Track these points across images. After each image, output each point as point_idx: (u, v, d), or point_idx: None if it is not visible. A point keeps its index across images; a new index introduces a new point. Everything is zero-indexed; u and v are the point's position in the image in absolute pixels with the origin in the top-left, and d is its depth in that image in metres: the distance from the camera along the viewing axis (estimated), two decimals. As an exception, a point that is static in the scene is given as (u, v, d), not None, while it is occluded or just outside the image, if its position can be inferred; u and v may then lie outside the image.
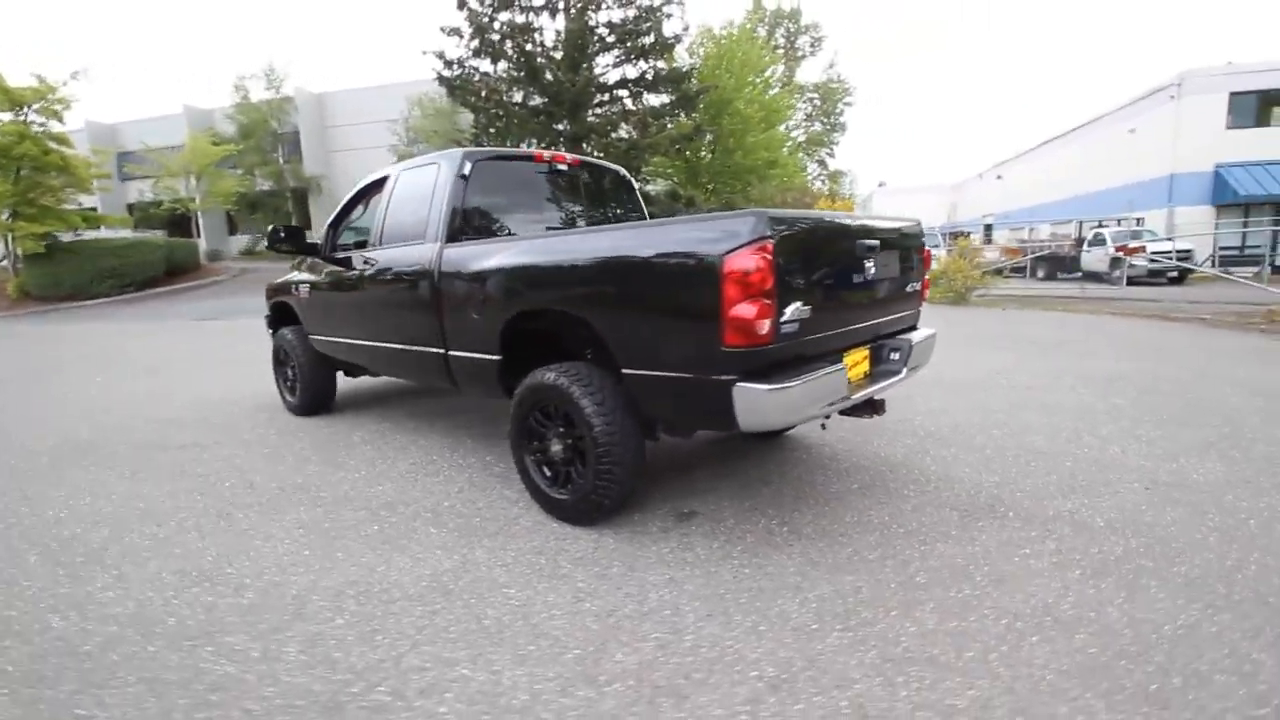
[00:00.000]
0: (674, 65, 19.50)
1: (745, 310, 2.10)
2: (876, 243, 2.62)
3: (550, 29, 19.77)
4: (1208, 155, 19.12)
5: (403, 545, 2.70)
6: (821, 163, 45.66)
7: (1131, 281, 15.45)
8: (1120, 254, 15.09)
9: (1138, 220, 19.90)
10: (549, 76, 18.03)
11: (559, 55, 18.26)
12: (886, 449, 3.77)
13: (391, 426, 4.59)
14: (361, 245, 4.38)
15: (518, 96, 18.61)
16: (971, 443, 3.84)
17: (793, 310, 2.23)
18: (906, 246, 3.03)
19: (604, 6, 18.12)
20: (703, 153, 23.08)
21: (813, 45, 45.61)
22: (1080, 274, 17.62)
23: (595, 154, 18.77)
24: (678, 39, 19.01)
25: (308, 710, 1.72)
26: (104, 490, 3.47)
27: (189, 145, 25.59)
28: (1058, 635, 1.96)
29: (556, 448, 2.79)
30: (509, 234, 3.59)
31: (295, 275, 4.86)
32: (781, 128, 24.98)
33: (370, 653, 1.97)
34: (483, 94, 18.60)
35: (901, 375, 2.89)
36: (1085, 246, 18.51)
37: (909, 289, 3.10)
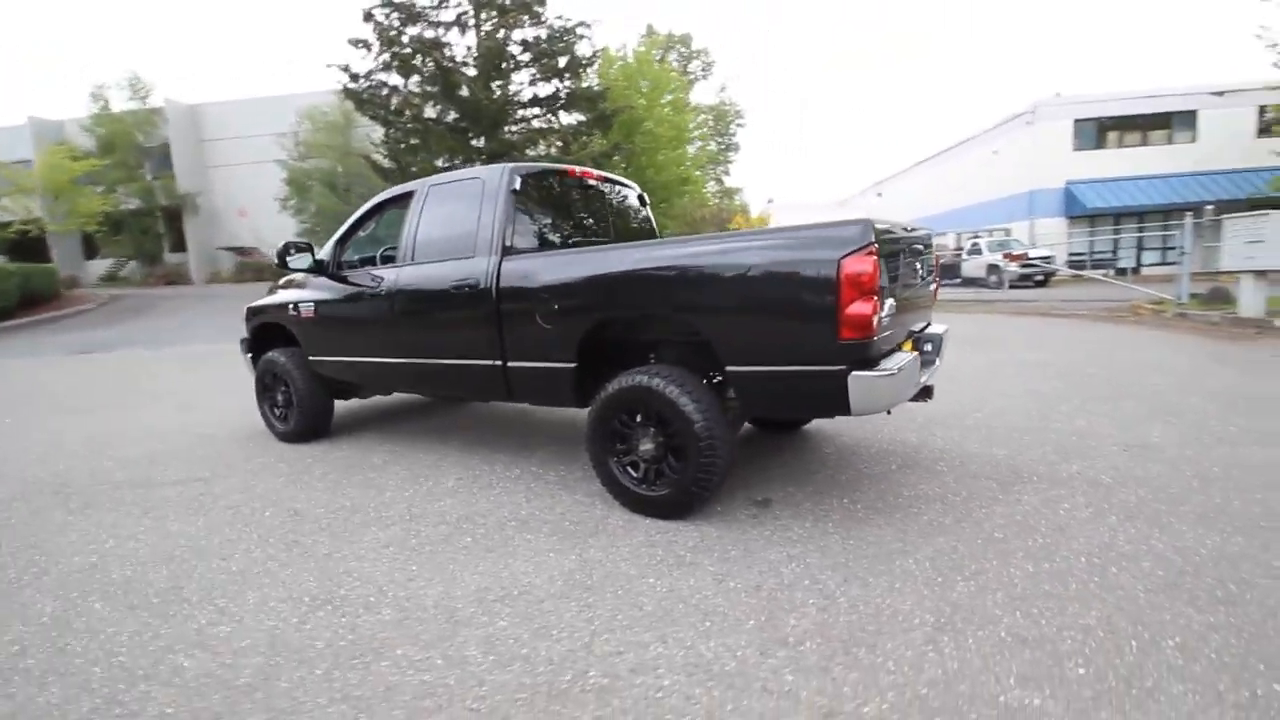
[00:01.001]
0: (587, 86, 19.85)
1: (860, 307, 2.37)
2: (924, 248, 3.00)
3: (461, 44, 19.55)
4: (1059, 174, 22.05)
5: (510, 552, 2.73)
6: (718, 180, 47.74)
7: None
8: (1007, 261, 17.04)
9: (1005, 231, 22.54)
10: (464, 92, 17.80)
11: (473, 72, 18.09)
12: (897, 433, 4.18)
13: (405, 446, 4.47)
14: (380, 261, 4.30)
15: (431, 112, 18.22)
16: (964, 424, 4.35)
17: (888, 306, 2.53)
18: (930, 252, 3.45)
19: (518, 25, 18.18)
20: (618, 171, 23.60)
21: (704, 70, 47.77)
22: (960, 280, 19.65)
23: (516, 171, 18.72)
24: (592, 60, 19.41)
25: (536, 699, 1.78)
26: (122, 531, 3.18)
27: (45, 159, 22.77)
28: (1129, 565, 2.37)
29: (647, 447, 2.93)
30: (557, 246, 3.68)
31: (286, 295, 4.63)
32: (689, 148, 25.99)
33: (555, 646, 2.03)
34: (393, 107, 18.09)
35: (938, 364, 3.29)
36: (965, 255, 20.68)
37: (931, 289, 3.53)
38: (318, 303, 4.32)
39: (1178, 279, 10.36)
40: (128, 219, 28.32)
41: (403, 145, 18.34)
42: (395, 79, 18.20)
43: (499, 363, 3.44)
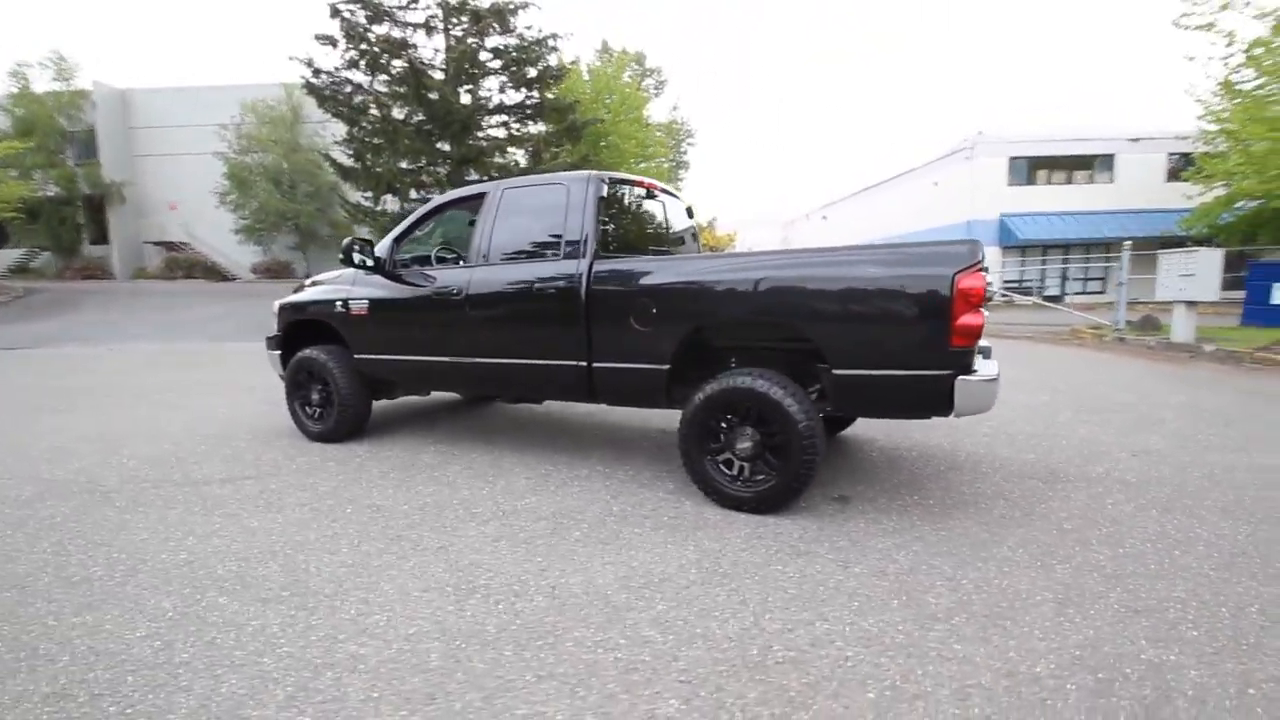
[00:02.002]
0: (557, 97, 19.97)
1: (970, 319, 2.64)
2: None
3: (428, 47, 19.32)
4: (995, 206, 23.77)
5: (625, 545, 2.82)
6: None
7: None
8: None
9: (946, 257, 24.03)
10: (434, 95, 17.58)
11: (442, 76, 17.91)
12: (928, 439, 4.51)
13: (451, 445, 4.47)
14: (435, 261, 4.32)
15: (399, 113, 17.88)
16: (982, 432, 4.73)
17: (983, 318, 2.82)
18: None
19: (489, 33, 18.14)
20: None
21: (657, 88, 48.67)
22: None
23: (487, 177, 18.60)
24: (561, 73, 19.55)
25: (739, 670, 1.91)
26: (199, 529, 3.08)
27: (-46, 138, 20.85)
28: (1189, 548, 2.71)
29: (744, 445, 3.10)
30: (637, 251, 3.83)
31: (329, 292, 4.55)
32: (649, 164, 26.42)
33: (726, 625, 2.16)
34: (357, 105, 17.67)
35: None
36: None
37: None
38: (373, 301, 4.28)
39: (1102, 307, 11.42)
40: (45, 206, 26.21)
41: (368, 144, 17.90)
42: (360, 76, 17.79)
43: (583, 363, 3.54)
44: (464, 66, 17.58)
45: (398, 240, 4.30)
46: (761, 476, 3.10)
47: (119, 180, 28.18)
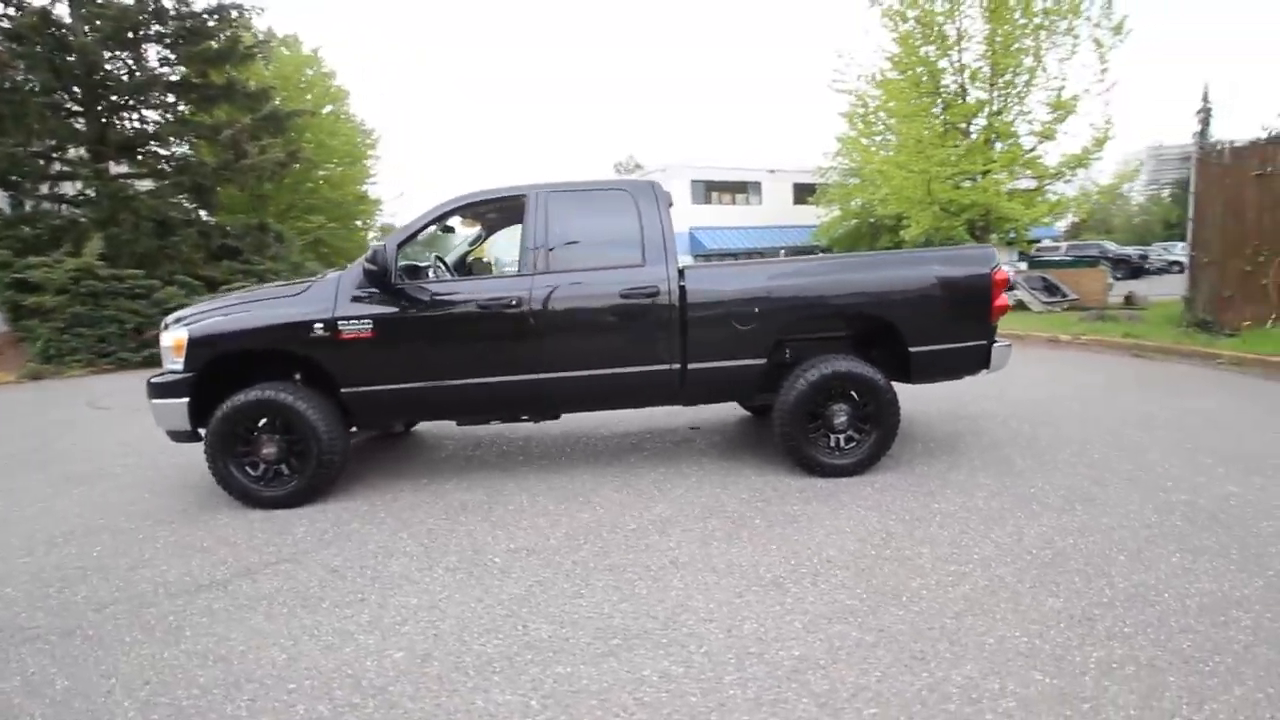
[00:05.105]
0: (245, 79, 16.82)
1: (1002, 300, 3.69)
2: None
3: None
4: (686, 220, 28.04)
5: (795, 536, 2.97)
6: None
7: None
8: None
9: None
10: (70, 58, 13.19)
11: (84, 38, 13.56)
12: (957, 418, 5.03)
13: (483, 480, 3.96)
14: (454, 271, 3.82)
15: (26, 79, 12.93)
16: (996, 413, 5.14)
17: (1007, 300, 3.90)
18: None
19: (147, -12, 14.35)
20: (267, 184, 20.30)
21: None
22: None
23: (157, 170, 14.75)
24: (253, 50, 16.53)
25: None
26: (329, 628, 2.37)
27: None
28: (1240, 502, 3.15)
29: (841, 420, 3.66)
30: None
31: (295, 311, 3.57)
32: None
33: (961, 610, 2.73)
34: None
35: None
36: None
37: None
38: (381, 319, 3.53)
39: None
40: None
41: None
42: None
43: (676, 365, 3.64)
44: (119, 26, 13.55)
45: (400, 246, 3.64)
46: (852, 445, 3.70)
47: None
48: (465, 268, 4.73)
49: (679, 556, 2.80)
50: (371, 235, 28.48)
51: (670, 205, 3.77)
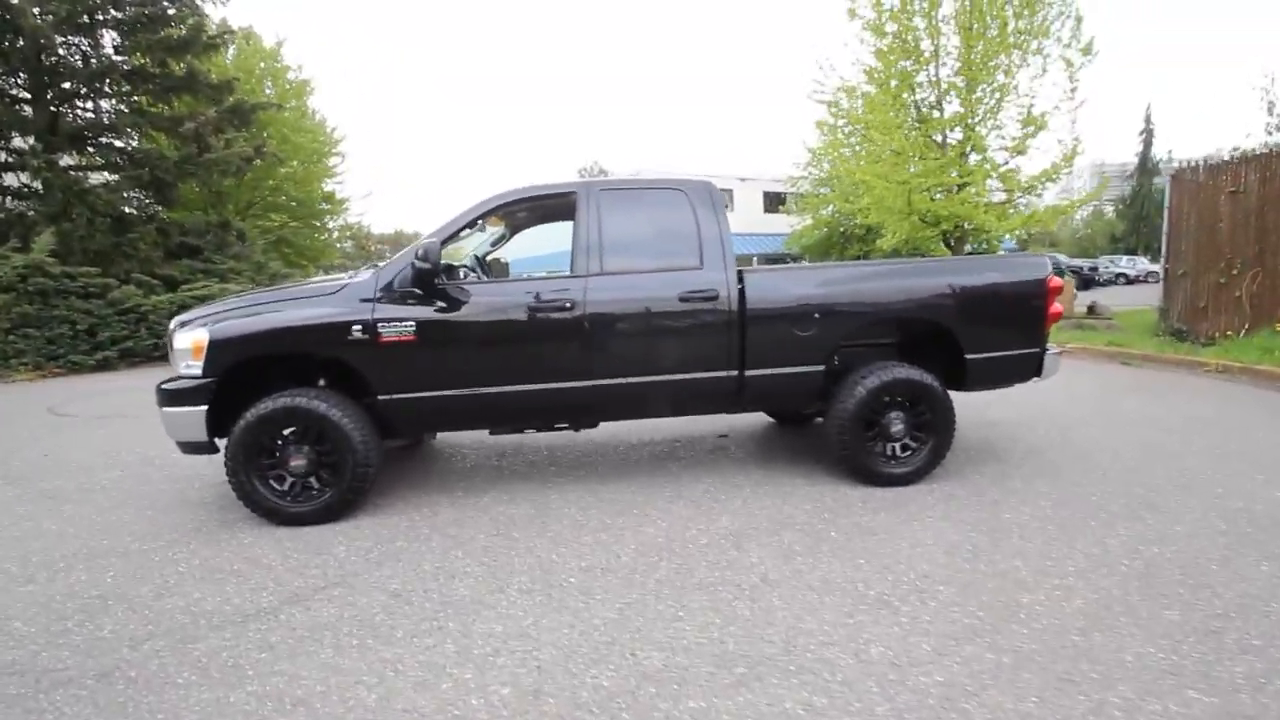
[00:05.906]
0: (207, 70, 16.05)
1: (1056, 307, 3.68)
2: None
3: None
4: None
5: (878, 550, 2.87)
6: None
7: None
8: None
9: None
10: (19, 43, 12.33)
11: (34, 19, 12.69)
12: (981, 425, 5.05)
13: (515, 498, 3.74)
14: (483, 269, 3.63)
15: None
16: (1018, 419, 5.24)
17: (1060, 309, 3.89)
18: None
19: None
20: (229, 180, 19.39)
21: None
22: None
23: (114, 164, 13.91)
24: (217, 40, 15.79)
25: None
26: (439, 659, 2.15)
27: None
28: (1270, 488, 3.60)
29: (899, 428, 3.59)
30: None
31: (329, 312, 3.31)
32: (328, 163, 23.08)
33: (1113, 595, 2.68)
34: None
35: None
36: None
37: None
38: (424, 323, 3.29)
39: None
40: None
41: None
42: None
43: (734, 372, 3.50)
44: (75, 9, 12.72)
45: (443, 245, 3.41)
46: (908, 454, 3.63)
47: None
48: (485, 268, 4.52)
49: (768, 573, 2.66)
50: (334, 236, 27.55)
51: (727, 207, 3.64)
